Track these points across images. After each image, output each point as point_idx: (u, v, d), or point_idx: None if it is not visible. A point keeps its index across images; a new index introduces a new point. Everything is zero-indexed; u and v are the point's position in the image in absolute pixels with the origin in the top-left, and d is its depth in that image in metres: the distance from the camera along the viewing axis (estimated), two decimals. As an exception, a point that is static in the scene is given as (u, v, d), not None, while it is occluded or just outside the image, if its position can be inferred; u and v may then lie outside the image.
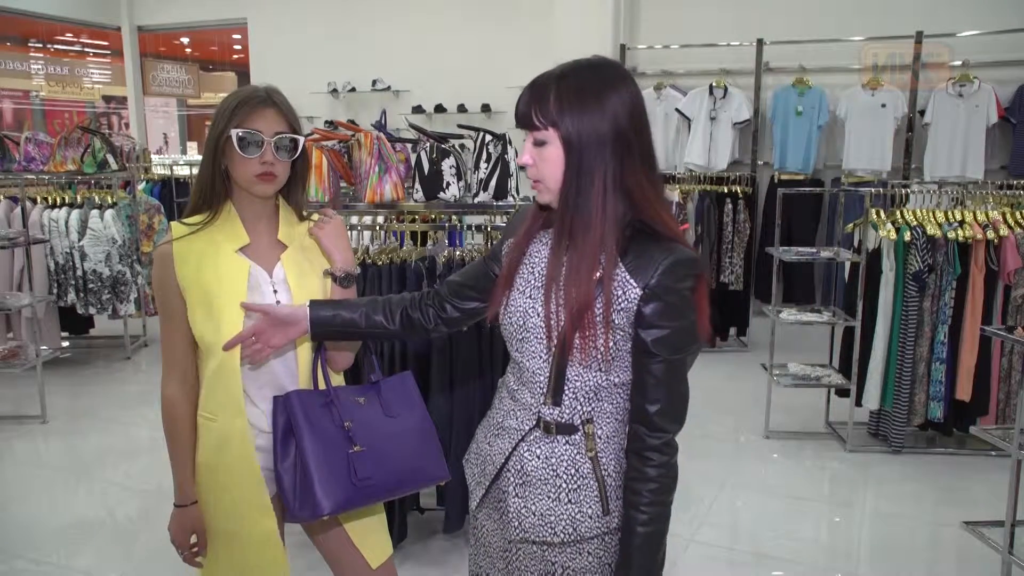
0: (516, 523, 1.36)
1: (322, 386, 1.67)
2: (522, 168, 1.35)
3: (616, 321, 1.26)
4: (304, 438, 1.56)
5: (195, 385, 1.66)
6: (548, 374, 1.32)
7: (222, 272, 1.60)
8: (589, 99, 1.24)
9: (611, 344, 1.27)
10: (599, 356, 1.28)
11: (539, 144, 1.29)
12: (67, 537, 3.23)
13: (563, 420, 1.33)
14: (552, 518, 1.33)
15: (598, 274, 1.25)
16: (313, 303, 1.58)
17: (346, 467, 1.57)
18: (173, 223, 1.65)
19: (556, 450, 1.34)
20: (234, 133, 1.55)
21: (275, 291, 1.64)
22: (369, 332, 1.58)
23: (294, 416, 1.57)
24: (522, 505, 1.36)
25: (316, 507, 1.54)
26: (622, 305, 1.26)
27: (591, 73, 1.27)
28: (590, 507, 1.33)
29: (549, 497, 1.34)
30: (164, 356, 1.67)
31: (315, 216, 1.75)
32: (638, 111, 1.27)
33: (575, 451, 1.33)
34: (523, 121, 1.30)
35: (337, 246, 1.71)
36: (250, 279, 1.63)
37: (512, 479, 1.38)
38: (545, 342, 1.31)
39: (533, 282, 1.36)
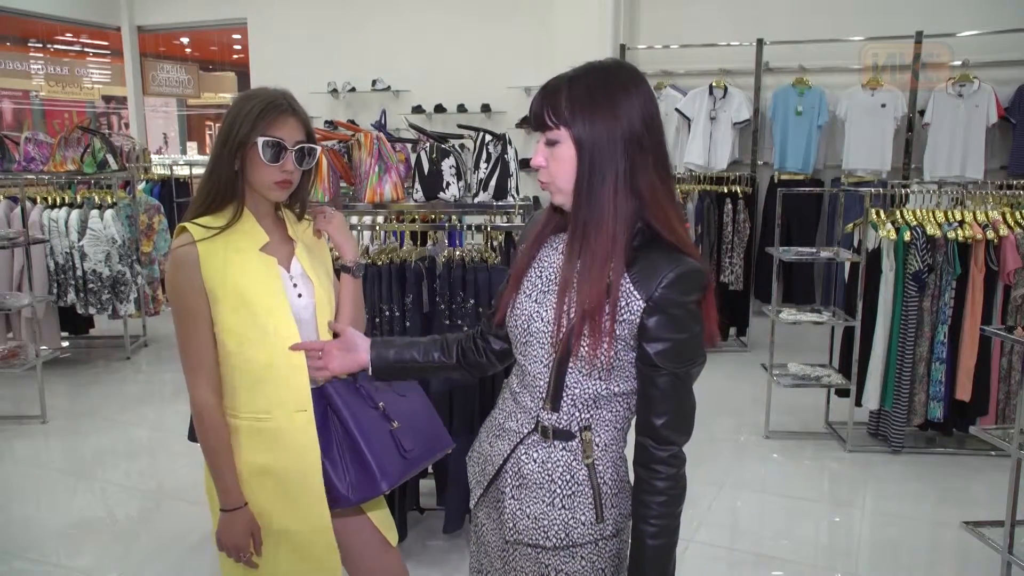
0: (511, 524, 1.37)
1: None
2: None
3: (618, 332, 1.26)
4: (350, 424, 1.62)
5: (221, 387, 1.66)
6: (548, 379, 1.32)
7: (255, 271, 1.62)
8: (600, 99, 1.25)
9: (612, 354, 1.27)
10: (599, 365, 1.27)
11: (551, 144, 1.29)
12: (67, 537, 3.23)
13: (560, 426, 1.33)
14: (545, 522, 1.34)
15: (608, 280, 1.25)
16: (374, 343, 1.59)
17: (393, 443, 1.65)
18: (188, 224, 1.62)
19: (552, 455, 1.34)
20: (260, 141, 1.57)
21: (295, 285, 1.68)
22: (428, 367, 1.59)
23: (335, 405, 1.63)
24: (517, 507, 1.36)
25: (376, 486, 1.61)
26: (625, 316, 1.25)
27: (604, 75, 1.27)
28: (584, 514, 1.33)
29: (543, 501, 1.34)
30: (189, 362, 1.64)
31: (307, 216, 1.80)
32: (651, 115, 1.27)
33: (571, 457, 1.33)
34: (536, 121, 1.30)
35: (346, 239, 1.78)
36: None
37: (509, 481, 1.38)
38: (547, 347, 1.31)
39: (540, 286, 1.36)
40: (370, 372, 1.58)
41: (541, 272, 1.37)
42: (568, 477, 1.33)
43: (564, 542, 1.33)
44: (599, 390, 1.31)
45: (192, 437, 2.88)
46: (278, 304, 1.62)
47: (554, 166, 1.29)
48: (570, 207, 1.31)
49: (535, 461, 1.35)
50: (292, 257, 1.71)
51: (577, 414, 1.32)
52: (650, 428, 1.28)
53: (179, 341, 1.65)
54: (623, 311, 1.25)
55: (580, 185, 1.27)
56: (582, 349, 1.27)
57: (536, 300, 1.35)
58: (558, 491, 1.33)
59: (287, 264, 1.70)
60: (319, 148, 1.69)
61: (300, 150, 1.63)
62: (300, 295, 1.68)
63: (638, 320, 1.25)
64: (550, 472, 1.34)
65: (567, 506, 1.33)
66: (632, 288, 1.25)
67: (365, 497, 1.63)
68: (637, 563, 1.31)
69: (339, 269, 1.77)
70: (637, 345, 1.27)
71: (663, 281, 1.23)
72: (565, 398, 1.32)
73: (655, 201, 1.26)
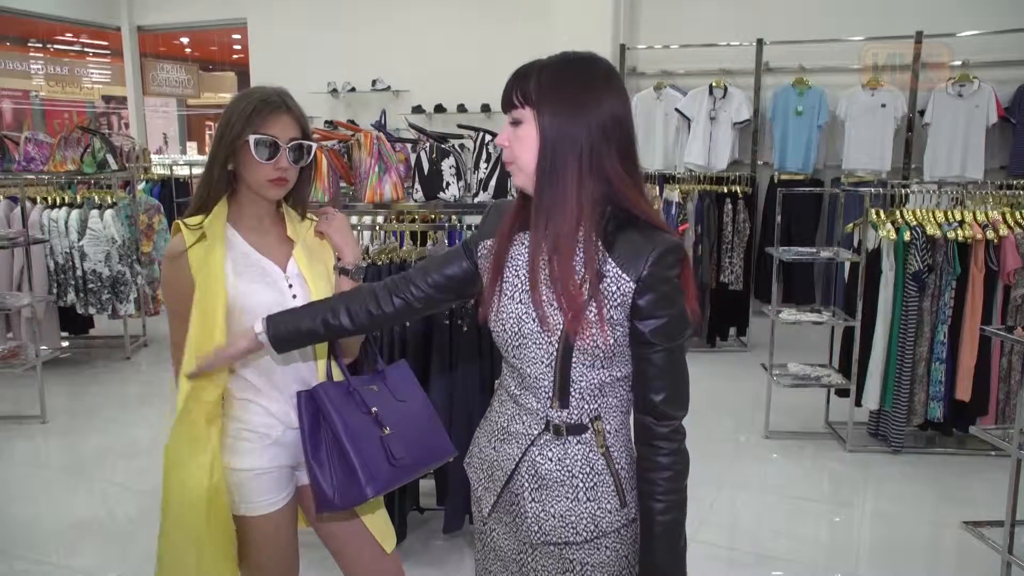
0: (536, 527, 1.36)
1: (336, 377, 1.71)
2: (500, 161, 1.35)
3: (614, 316, 1.26)
4: (339, 428, 1.59)
5: None
6: (552, 378, 1.32)
7: (211, 275, 1.62)
8: (568, 88, 1.26)
9: (612, 341, 1.27)
10: (601, 354, 1.28)
11: (515, 123, 1.30)
12: (67, 537, 3.23)
13: (572, 421, 1.33)
14: (573, 518, 1.34)
15: (582, 269, 1.25)
16: (269, 319, 1.54)
17: (382, 450, 1.62)
18: (180, 222, 1.65)
19: (569, 451, 1.34)
20: (252, 138, 1.57)
21: (290, 285, 1.68)
22: (332, 336, 1.57)
23: (325, 408, 1.60)
24: (540, 509, 1.35)
25: (361, 493, 1.58)
26: (617, 300, 1.26)
27: (576, 66, 1.29)
28: (608, 502, 1.33)
29: (567, 498, 1.34)
30: (174, 354, 1.67)
31: (312, 216, 1.79)
32: (619, 111, 1.27)
33: (587, 449, 1.33)
34: (504, 101, 1.32)
35: (346, 241, 1.77)
36: (265, 276, 1.66)
37: (526, 484, 1.37)
38: (544, 347, 1.31)
39: (519, 286, 1.35)
40: (269, 344, 1.53)
41: (517, 271, 1.36)
42: (588, 469, 1.33)
43: (593, 534, 1.33)
44: (603, 378, 1.31)
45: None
46: (221, 311, 1.61)
47: (516, 146, 1.30)
48: (530, 189, 1.31)
49: (552, 460, 1.34)
50: (289, 257, 1.71)
51: (586, 406, 1.32)
52: (650, 405, 1.28)
53: (171, 336, 1.69)
54: (615, 295, 1.26)
55: (541, 167, 1.27)
56: (580, 342, 1.27)
57: (521, 301, 1.34)
58: (580, 485, 1.33)
59: (284, 264, 1.70)
60: (315, 145, 1.69)
61: (295, 147, 1.63)
62: (295, 296, 1.68)
63: (630, 301, 1.26)
64: (569, 468, 1.34)
65: (591, 498, 1.33)
66: (619, 271, 1.25)
67: (351, 502, 1.61)
68: (648, 540, 1.31)
69: (338, 271, 1.77)
70: (630, 325, 1.27)
71: (649, 259, 1.24)
72: (573, 393, 1.31)
73: (623, 184, 1.27)
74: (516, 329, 1.34)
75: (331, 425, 1.60)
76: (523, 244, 1.37)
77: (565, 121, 1.25)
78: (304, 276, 1.69)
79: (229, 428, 1.68)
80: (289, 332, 1.53)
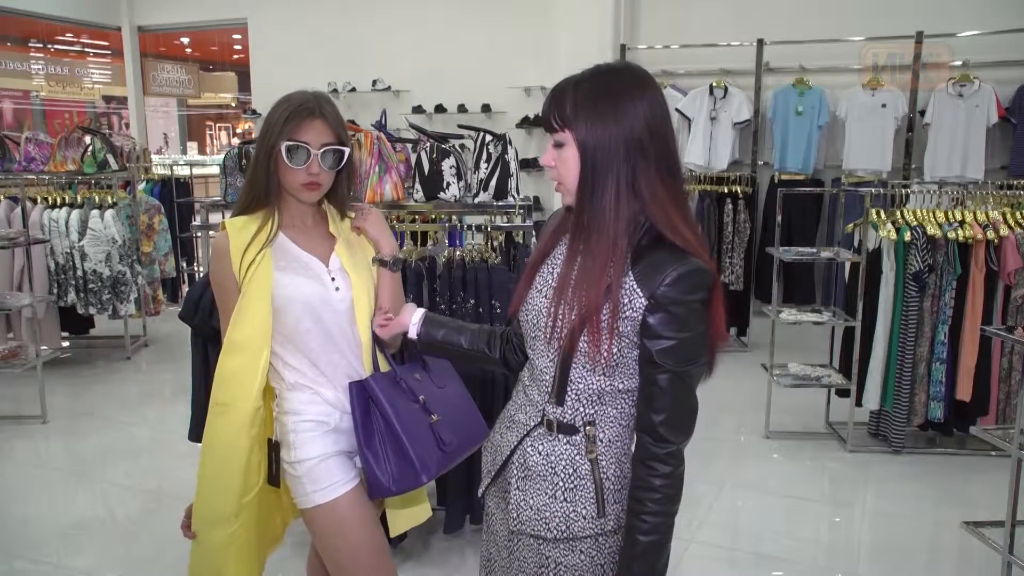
0: (515, 514, 1.40)
1: (382, 366, 1.77)
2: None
3: (621, 329, 1.27)
4: (392, 417, 1.65)
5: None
6: (553, 374, 1.35)
7: (256, 271, 1.68)
8: (603, 103, 1.26)
9: (615, 351, 1.28)
10: (602, 361, 1.28)
11: (558, 146, 1.32)
12: (67, 537, 3.23)
13: (565, 420, 1.35)
14: (547, 514, 1.36)
15: (608, 280, 1.26)
16: (427, 318, 1.65)
17: (432, 437, 1.70)
18: (226, 221, 1.73)
19: (556, 448, 1.36)
20: (283, 146, 1.64)
21: (333, 279, 1.75)
22: (471, 355, 1.64)
23: (377, 399, 1.67)
24: (521, 498, 1.39)
25: (416, 478, 1.65)
26: (627, 314, 1.26)
27: (610, 78, 1.30)
28: (585, 508, 1.34)
29: (546, 493, 1.36)
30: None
31: (349, 214, 1.87)
32: (657, 117, 1.28)
33: (575, 451, 1.35)
34: (544, 123, 1.34)
35: (382, 234, 1.84)
36: (307, 270, 1.73)
37: (515, 471, 1.41)
38: (552, 343, 1.33)
39: (551, 282, 1.38)
40: (416, 341, 1.66)
41: (553, 269, 1.40)
42: (571, 471, 1.35)
43: (564, 534, 1.35)
44: (603, 386, 1.32)
45: (192, 437, 2.88)
46: (266, 305, 1.69)
47: (561, 168, 1.32)
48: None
49: (540, 453, 1.38)
50: (332, 253, 1.77)
51: (581, 409, 1.34)
52: (649, 425, 1.29)
53: (220, 325, 1.77)
54: (626, 308, 1.26)
55: (583, 188, 1.30)
56: (584, 346, 1.28)
57: (546, 296, 1.37)
58: (560, 484, 1.35)
59: (326, 259, 1.76)
60: (347, 150, 1.73)
61: (327, 153, 1.68)
62: (338, 288, 1.74)
63: (640, 317, 1.26)
64: (553, 465, 1.36)
65: (569, 499, 1.35)
66: (635, 285, 1.26)
67: (406, 488, 1.68)
68: (627, 558, 1.32)
69: (377, 263, 1.82)
70: (639, 342, 1.28)
71: (666, 279, 1.24)
72: (570, 393, 1.33)
73: (657, 204, 1.27)
74: (535, 321, 1.37)
75: (384, 415, 1.66)
76: (565, 244, 1.40)
77: (602, 140, 1.26)
78: (346, 270, 1.76)
79: (288, 424, 1.73)
80: (441, 335, 1.64)
